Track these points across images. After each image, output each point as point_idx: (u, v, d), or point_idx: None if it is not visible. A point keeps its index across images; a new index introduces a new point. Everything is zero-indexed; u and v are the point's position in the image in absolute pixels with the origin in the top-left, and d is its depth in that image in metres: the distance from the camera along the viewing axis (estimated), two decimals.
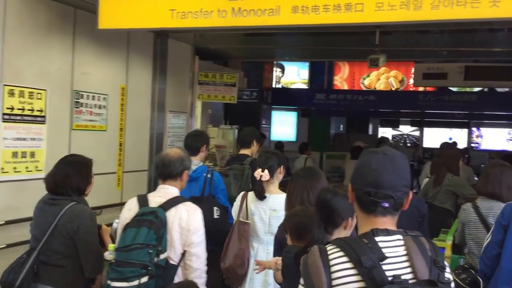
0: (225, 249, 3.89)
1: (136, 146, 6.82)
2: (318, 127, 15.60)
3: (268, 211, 3.82)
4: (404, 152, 4.31)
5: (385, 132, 18.65)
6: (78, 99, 5.76)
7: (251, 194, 3.94)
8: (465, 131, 18.15)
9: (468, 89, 13.87)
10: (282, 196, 3.61)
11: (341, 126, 17.93)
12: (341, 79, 15.83)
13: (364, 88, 15.42)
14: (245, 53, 9.80)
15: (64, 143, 5.58)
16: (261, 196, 3.82)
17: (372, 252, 1.72)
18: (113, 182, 6.41)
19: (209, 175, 4.63)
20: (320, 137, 15.40)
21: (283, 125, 14.56)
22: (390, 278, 1.68)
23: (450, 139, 17.36)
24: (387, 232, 1.80)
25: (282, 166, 3.93)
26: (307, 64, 15.52)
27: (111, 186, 6.39)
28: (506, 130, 17.48)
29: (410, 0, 3.98)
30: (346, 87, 15.60)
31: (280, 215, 3.63)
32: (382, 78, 15.52)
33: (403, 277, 1.71)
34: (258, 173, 3.81)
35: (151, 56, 7.11)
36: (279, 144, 10.93)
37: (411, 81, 13.97)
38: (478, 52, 9.05)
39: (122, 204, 6.43)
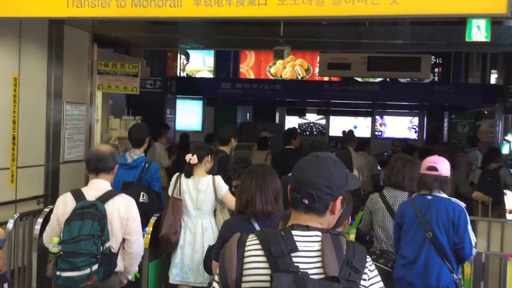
0: (161, 221, 4.76)
1: (31, 140, 6.59)
2: (224, 116, 15.67)
3: (196, 191, 4.75)
4: (326, 149, 4.90)
5: (292, 121, 19.09)
6: None
7: (184, 176, 4.85)
8: (369, 119, 18.96)
9: (371, 79, 14.50)
10: (207, 178, 4.78)
11: (248, 115, 18.17)
12: (247, 67, 16.05)
13: (271, 76, 15.71)
14: (147, 41, 9.69)
15: None
16: (188, 174, 4.78)
17: (285, 243, 1.90)
18: (6, 179, 6.18)
19: (146, 165, 5.29)
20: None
21: (189, 115, 14.53)
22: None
23: (355, 127, 18.12)
24: (307, 228, 1.96)
25: (210, 156, 4.90)
26: (212, 51, 15.57)
27: (4, 182, 6.15)
28: (408, 118, 18.44)
29: None
30: (252, 75, 15.83)
31: (205, 194, 4.73)
32: (288, 67, 15.88)
33: (311, 271, 1.87)
34: (188, 156, 4.77)
35: (46, 43, 6.87)
36: (185, 136, 10.92)
37: (317, 69, 14.40)
38: (380, 44, 9.50)
39: (17, 202, 6.23)
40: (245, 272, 1.92)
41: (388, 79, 14.85)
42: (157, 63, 12.89)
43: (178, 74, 14.86)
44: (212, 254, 3.49)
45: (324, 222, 1.99)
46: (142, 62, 9.45)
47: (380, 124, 19.11)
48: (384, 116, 18.73)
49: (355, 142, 9.06)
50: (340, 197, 2.01)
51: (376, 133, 18.95)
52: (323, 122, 19.71)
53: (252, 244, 1.95)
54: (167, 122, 12.38)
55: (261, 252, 1.92)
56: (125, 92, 8.83)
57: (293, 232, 1.94)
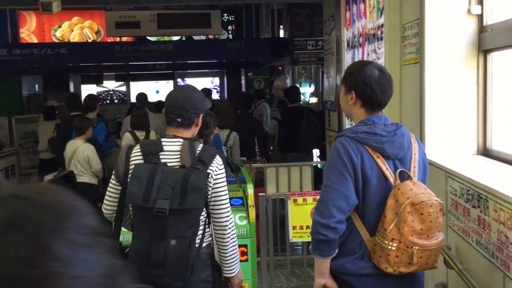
0: None
1: None
2: (7, 89, 14.42)
3: None
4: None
5: (89, 90, 18.23)
6: None
7: None
8: (171, 82, 18.84)
9: (166, 38, 14.31)
10: None
11: (37, 86, 16.98)
12: (29, 32, 14.91)
13: (57, 41, 14.78)
14: None
15: None
16: None
17: (155, 146, 3.03)
18: None
19: (95, 124, 7.43)
20: (10, 99, 14.31)
21: None
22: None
23: (157, 92, 17.91)
24: (174, 136, 3.07)
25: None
26: None
27: None
28: (209, 79, 18.63)
29: None
30: (35, 41, 14.76)
31: None
32: (76, 29, 15.07)
33: (172, 163, 2.98)
34: None
35: None
36: None
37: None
38: None
39: None
40: (130, 167, 2.99)
41: (184, 38, 14.79)
42: None
43: None
44: None
45: (189, 133, 3.10)
46: None
47: None
48: (185, 78, 18.72)
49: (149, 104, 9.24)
50: (202, 114, 3.16)
51: None
52: (123, 89, 19.20)
53: (136, 150, 3.07)
54: None
55: (140, 153, 3.04)
56: None
57: (163, 140, 3.07)
